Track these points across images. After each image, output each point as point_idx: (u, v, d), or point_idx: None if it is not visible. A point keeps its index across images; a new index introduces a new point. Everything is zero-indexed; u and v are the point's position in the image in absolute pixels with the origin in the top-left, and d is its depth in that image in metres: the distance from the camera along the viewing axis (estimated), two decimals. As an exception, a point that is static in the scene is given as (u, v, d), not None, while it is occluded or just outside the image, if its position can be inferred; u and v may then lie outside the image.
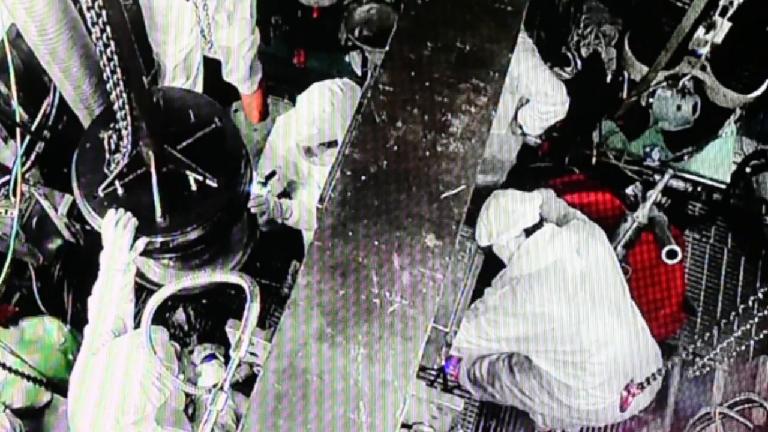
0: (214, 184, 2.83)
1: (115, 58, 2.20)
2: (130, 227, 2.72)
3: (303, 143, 3.67)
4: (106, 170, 2.82)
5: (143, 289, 3.49)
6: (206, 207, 2.84)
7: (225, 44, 4.36)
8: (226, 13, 4.15)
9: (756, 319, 3.17)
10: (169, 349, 2.65)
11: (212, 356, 3.44)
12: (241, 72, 4.55)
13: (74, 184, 2.88)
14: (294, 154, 3.90)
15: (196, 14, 3.95)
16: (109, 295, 2.70)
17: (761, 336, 3.44)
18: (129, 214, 2.73)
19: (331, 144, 3.61)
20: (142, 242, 2.76)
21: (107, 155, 2.82)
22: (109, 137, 2.79)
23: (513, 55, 2.51)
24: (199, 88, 4.38)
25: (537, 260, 3.31)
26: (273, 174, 4.11)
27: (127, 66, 2.28)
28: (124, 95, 2.38)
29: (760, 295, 3.20)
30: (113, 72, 2.27)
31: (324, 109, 3.53)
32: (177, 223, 2.80)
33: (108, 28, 2.10)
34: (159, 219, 2.78)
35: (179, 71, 4.25)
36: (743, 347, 3.39)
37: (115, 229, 2.70)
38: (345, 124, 3.43)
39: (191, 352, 3.52)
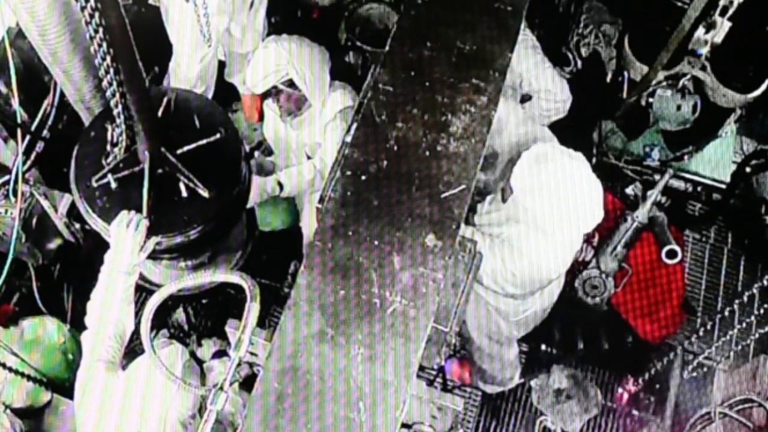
0: (205, 194, 2.77)
1: (108, 58, 2.21)
2: (143, 229, 2.64)
3: (257, 89, 3.71)
4: (104, 163, 2.79)
5: (143, 290, 3.49)
6: (193, 215, 2.79)
7: (232, 49, 4.47)
8: (240, 26, 4.28)
9: (755, 319, 3.18)
10: (181, 358, 2.62)
11: (223, 353, 3.41)
12: (244, 74, 4.58)
13: (71, 176, 2.85)
14: (282, 129, 3.93)
15: (199, 21, 3.97)
16: (112, 297, 2.67)
17: (761, 335, 3.44)
18: (141, 215, 2.66)
19: (292, 86, 3.65)
20: (152, 242, 2.68)
21: (108, 147, 2.78)
22: (113, 129, 2.77)
23: (515, 53, 2.51)
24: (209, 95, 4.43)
25: None
26: (260, 144, 4.12)
27: (124, 66, 2.27)
28: (118, 95, 2.38)
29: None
30: (107, 72, 2.27)
31: (269, 53, 3.61)
32: (161, 226, 2.75)
33: (101, 29, 2.10)
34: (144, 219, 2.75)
35: (199, 82, 4.29)
36: (742, 347, 3.39)
37: (127, 230, 2.63)
38: (301, 68, 3.57)
39: (200, 345, 3.49)
